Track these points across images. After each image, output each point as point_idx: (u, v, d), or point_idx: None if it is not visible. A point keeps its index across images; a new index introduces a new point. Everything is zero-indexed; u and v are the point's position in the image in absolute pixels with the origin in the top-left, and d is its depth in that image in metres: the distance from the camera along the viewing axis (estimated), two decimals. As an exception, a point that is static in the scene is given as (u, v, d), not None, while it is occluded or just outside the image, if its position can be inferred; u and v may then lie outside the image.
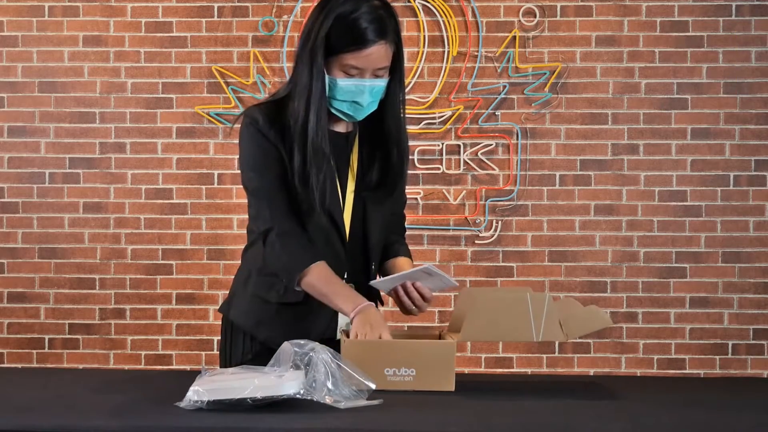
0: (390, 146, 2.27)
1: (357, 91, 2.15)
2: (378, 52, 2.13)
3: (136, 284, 4.57)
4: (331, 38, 2.12)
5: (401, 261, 2.35)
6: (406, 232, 2.53)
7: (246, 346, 2.31)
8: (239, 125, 2.27)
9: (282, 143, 2.19)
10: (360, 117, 2.21)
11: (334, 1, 2.13)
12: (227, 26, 4.57)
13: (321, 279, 2.16)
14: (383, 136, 2.27)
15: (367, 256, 2.30)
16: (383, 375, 1.96)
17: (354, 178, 2.27)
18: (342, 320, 2.24)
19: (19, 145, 4.60)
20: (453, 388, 1.97)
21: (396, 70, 2.21)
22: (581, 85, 4.54)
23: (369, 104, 2.18)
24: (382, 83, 2.18)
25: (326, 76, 2.15)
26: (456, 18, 4.51)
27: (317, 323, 2.23)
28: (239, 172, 2.29)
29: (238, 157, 2.33)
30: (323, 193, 2.18)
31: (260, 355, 2.25)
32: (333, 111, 2.20)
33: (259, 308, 2.27)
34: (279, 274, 2.20)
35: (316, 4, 2.20)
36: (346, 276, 2.27)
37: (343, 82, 2.14)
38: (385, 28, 2.13)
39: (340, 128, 2.29)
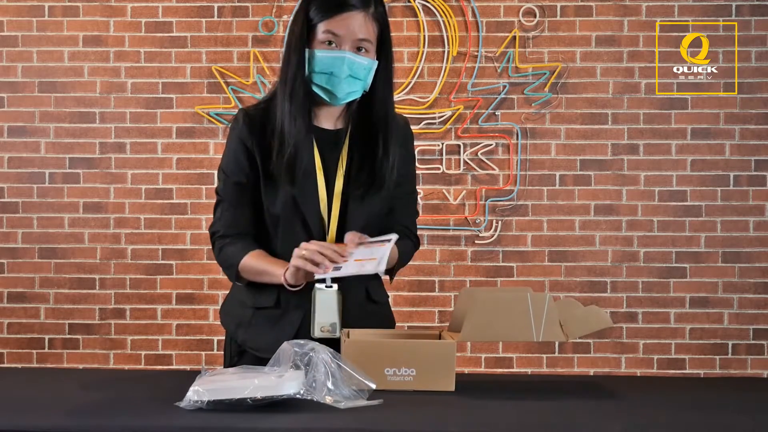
0: (377, 140, 2.22)
1: (334, 62, 2.12)
2: (356, 19, 2.12)
3: (136, 284, 4.57)
4: (311, 11, 2.14)
5: None
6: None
7: (233, 349, 2.33)
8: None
9: (259, 141, 2.19)
10: (340, 94, 2.16)
11: None
12: (227, 26, 4.57)
13: (253, 259, 2.21)
14: (372, 130, 2.23)
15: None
16: (383, 375, 1.96)
17: (342, 177, 2.24)
18: (317, 324, 2.23)
19: (19, 145, 4.60)
20: (453, 388, 1.97)
21: (382, 56, 2.18)
22: (581, 85, 4.54)
23: (347, 78, 2.14)
24: (363, 60, 2.14)
25: (306, 50, 2.15)
26: (456, 18, 4.51)
27: (288, 327, 2.22)
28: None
29: None
30: (291, 162, 2.16)
31: (243, 358, 2.27)
32: (314, 89, 2.17)
33: (239, 311, 2.31)
34: (226, 273, 2.29)
35: None
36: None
37: (320, 53, 2.13)
38: (367, 1, 2.13)
39: (328, 124, 2.26)
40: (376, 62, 2.18)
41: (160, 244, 4.57)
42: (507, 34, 4.52)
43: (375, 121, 2.23)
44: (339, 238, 2.25)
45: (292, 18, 2.22)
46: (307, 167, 2.20)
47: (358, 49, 2.15)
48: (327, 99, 2.19)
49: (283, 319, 2.23)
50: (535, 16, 4.52)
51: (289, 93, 2.17)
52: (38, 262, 4.59)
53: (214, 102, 4.56)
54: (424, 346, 2.00)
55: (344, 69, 2.13)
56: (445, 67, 4.51)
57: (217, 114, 4.54)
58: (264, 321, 2.25)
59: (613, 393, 2.04)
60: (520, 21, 4.52)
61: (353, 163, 2.24)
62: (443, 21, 4.51)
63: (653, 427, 1.71)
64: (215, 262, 4.72)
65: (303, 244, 2.10)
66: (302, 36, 2.15)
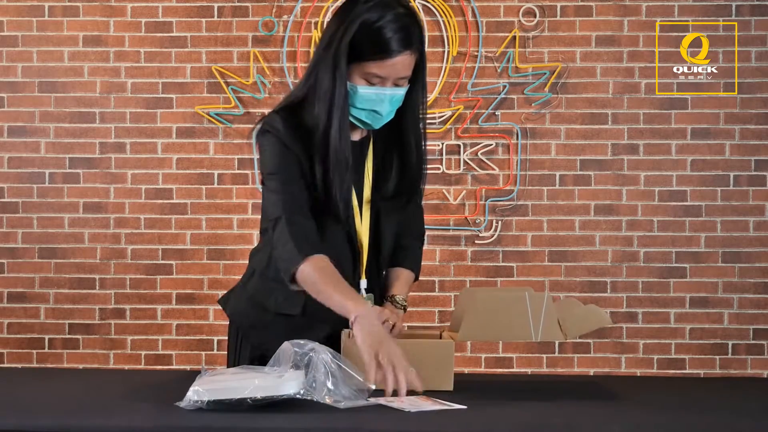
0: (408, 156, 2.21)
1: (377, 99, 2.10)
2: (402, 62, 2.07)
3: (136, 284, 4.57)
4: (354, 45, 2.07)
5: (396, 273, 2.31)
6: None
7: (239, 346, 2.30)
8: (257, 133, 2.20)
9: (302, 149, 2.13)
10: (377, 126, 2.16)
11: (359, 6, 2.07)
12: (227, 26, 4.57)
13: (320, 271, 2.05)
14: (402, 145, 2.22)
15: (378, 266, 2.28)
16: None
17: (369, 187, 2.22)
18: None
19: (19, 145, 4.60)
20: (452, 388, 1.96)
21: (418, 78, 2.16)
22: (581, 85, 4.54)
23: (388, 113, 2.14)
24: (401, 92, 2.12)
25: (347, 83, 2.10)
26: (456, 18, 4.51)
27: (312, 339, 2.09)
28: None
29: (259, 162, 2.28)
30: (347, 203, 2.14)
31: (251, 357, 2.24)
32: (350, 119, 2.15)
33: (257, 312, 2.25)
34: (278, 263, 2.11)
35: (338, 6, 2.14)
36: (363, 286, 2.24)
37: (364, 90, 2.09)
38: (410, 39, 2.07)
39: (354, 136, 2.23)
40: (408, 85, 2.15)
41: (160, 244, 4.57)
42: (507, 34, 4.52)
43: (407, 139, 2.21)
44: (371, 246, 2.24)
45: (329, 39, 2.12)
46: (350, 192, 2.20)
47: (398, 83, 2.13)
48: (363, 127, 2.20)
49: (308, 331, 2.08)
50: (535, 16, 4.52)
51: (338, 130, 2.10)
52: (38, 262, 4.59)
53: (214, 102, 4.56)
54: (422, 346, 2.00)
55: (386, 106, 2.11)
56: (445, 67, 4.51)
57: (217, 114, 4.54)
58: (285, 328, 2.16)
59: (613, 393, 2.04)
60: (520, 21, 4.52)
61: (380, 174, 2.24)
62: (443, 21, 4.51)
63: (653, 427, 1.71)
64: (215, 262, 4.74)
65: (392, 358, 1.89)
66: (346, 69, 2.09)
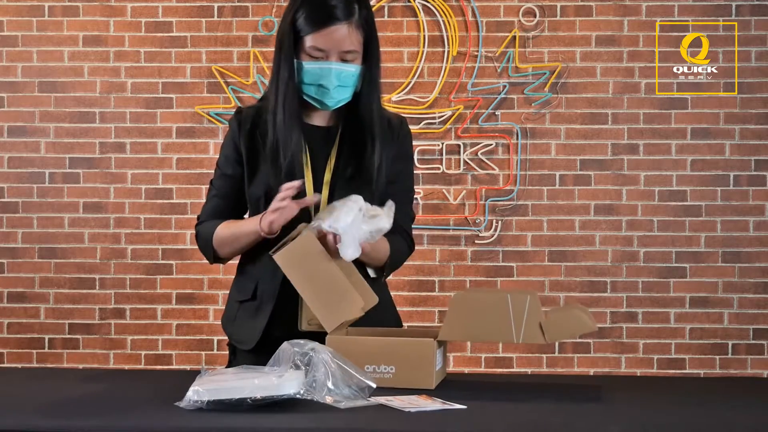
0: (365, 138, 2.25)
1: (322, 73, 2.16)
2: (340, 32, 2.14)
3: (136, 284, 4.57)
4: (297, 22, 2.17)
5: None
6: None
7: (230, 346, 2.37)
8: None
9: (249, 143, 2.26)
10: (330, 103, 2.20)
11: None
12: (227, 26, 4.57)
13: (225, 226, 2.26)
14: (360, 129, 2.26)
15: None
16: (363, 372, 1.96)
17: (330, 171, 2.26)
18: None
19: (19, 145, 4.60)
20: (433, 386, 1.96)
21: (368, 60, 2.21)
22: (581, 85, 4.54)
23: (336, 88, 2.18)
24: (350, 68, 2.17)
25: (294, 61, 2.18)
26: (456, 18, 4.51)
27: (262, 318, 2.23)
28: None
29: None
30: (290, 175, 2.19)
31: (235, 354, 2.31)
32: (305, 98, 2.22)
33: (230, 306, 2.35)
34: (203, 252, 2.31)
35: None
36: None
37: (308, 65, 2.16)
38: (350, 10, 2.15)
39: (320, 122, 2.29)
40: (361, 66, 2.21)
41: (160, 244, 4.57)
42: (507, 34, 4.52)
43: (362, 122, 2.26)
44: None
45: (279, 26, 2.25)
46: (294, 164, 2.24)
47: (345, 59, 2.18)
48: (319, 107, 2.24)
49: (259, 311, 2.24)
50: (535, 16, 4.52)
51: (282, 105, 2.20)
52: (38, 262, 4.59)
53: (214, 102, 4.56)
54: (403, 345, 2.00)
55: (332, 80, 2.17)
56: (445, 67, 4.51)
57: (217, 114, 4.54)
58: (245, 313, 2.28)
59: (613, 393, 2.04)
60: (520, 21, 4.52)
61: (341, 159, 2.27)
62: (443, 21, 4.51)
63: (653, 427, 1.71)
64: (215, 262, 4.71)
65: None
66: (290, 47, 2.18)
